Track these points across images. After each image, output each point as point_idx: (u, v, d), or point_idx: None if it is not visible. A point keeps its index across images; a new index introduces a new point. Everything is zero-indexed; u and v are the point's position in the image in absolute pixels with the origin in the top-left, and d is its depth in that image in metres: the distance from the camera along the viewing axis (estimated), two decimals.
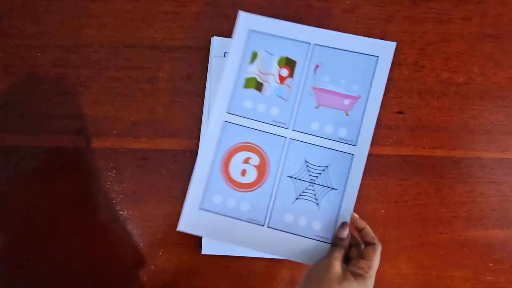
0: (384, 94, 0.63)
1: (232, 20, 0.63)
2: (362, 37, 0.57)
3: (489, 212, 0.64)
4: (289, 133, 0.56)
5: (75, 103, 0.63)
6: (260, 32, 0.57)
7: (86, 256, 0.64)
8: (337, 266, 0.48)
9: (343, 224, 0.54)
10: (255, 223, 0.55)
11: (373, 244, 0.51)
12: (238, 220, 0.55)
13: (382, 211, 0.64)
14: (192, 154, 0.63)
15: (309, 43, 0.57)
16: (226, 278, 0.64)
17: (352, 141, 0.56)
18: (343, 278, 0.47)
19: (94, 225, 0.63)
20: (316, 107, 0.56)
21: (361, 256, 0.50)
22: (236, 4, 0.63)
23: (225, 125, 0.56)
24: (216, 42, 0.62)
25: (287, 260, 0.63)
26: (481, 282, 0.64)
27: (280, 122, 0.56)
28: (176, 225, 0.63)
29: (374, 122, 0.56)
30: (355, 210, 0.59)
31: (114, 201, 0.63)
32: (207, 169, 0.56)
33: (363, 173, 0.63)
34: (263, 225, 0.55)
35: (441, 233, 0.64)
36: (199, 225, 0.56)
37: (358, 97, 0.56)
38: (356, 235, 0.56)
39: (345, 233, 0.53)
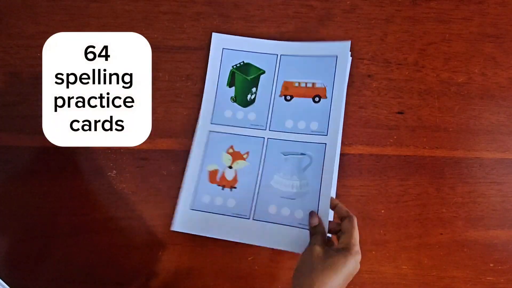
0: (384, 94, 0.63)
1: (232, 20, 0.63)
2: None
3: (489, 212, 0.64)
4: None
5: None
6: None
7: (86, 256, 0.64)
8: (317, 249, 0.51)
9: (311, 213, 0.56)
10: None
11: (348, 217, 0.53)
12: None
13: (383, 211, 0.63)
14: None
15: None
16: (226, 278, 0.64)
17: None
18: (326, 256, 0.49)
19: (94, 225, 0.63)
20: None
21: (341, 232, 0.53)
22: (236, 4, 0.63)
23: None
24: (215, 38, 0.63)
25: (287, 260, 0.63)
26: (481, 283, 0.64)
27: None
28: None
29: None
30: (355, 210, 0.59)
31: (114, 201, 0.63)
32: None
33: (363, 174, 0.63)
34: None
35: (441, 234, 0.64)
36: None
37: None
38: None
39: (315, 220, 0.55)
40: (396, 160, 0.63)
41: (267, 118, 0.62)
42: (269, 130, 0.62)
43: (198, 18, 0.63)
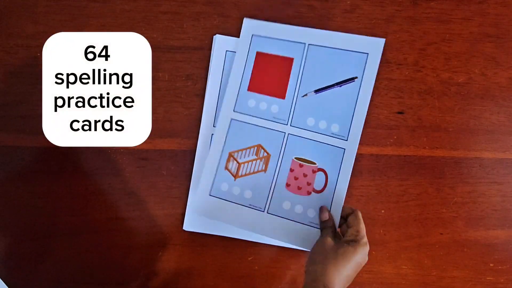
0: (384, 94, 0.63)
1: (232, 20, 0.63)
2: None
3: (489, 212, 0.64)
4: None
5: None
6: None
7: (86, 256, 0.64)
8: (329, 240, 0.54)
9: (321, 208, 0.58)
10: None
11: (352, 212, 0.56)
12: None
13: (383, 211, 0.63)
14: (192, 154, 0.63)
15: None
16: (226, 278, 0.64)
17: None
18: (338, 247, 0.52)
19: (94, 225, 0.63)
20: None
21: (348, 226, 0.55)
22: (236, 4, 0.63)
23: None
24: (218, 40, 0.63)
25: (287, 260, 0.63)
26: (481, 283, 0.64)
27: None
28: (176, 224, 0.63)
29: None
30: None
31: (114, 201, 0.63)
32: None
33: (363, 174, 0.63)
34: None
35: (441, 234, 0.64)
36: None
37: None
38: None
39: (325, 215, 0.58)
40: (396, 160, 0.63)
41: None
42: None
43: (198, 18, 0.63)
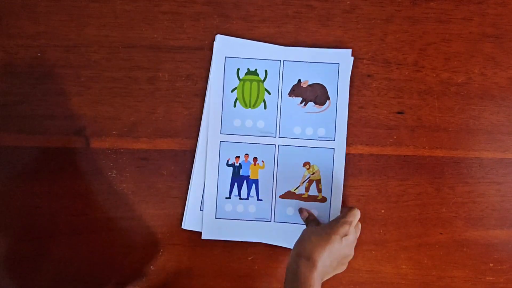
0: (384, 94, 0.63)
1: (232, 20, 0.63)
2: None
3: (489, 212, 0.64)
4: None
5: (75, 103, 0.63)
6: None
7: (86, 256, 0.64)
8: (312, 226, 0.58)
9: (300, 210, 0.63)
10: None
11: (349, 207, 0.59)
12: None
13: (383, 211, 0.64)
14: (191, 154, 0.63)
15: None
16: (226, 278, 0.64)
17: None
18: (318, 228, 0.56)
19: (94, 225, 0.63)
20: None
21: None
22: (236, 4, 0.63)
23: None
24: (219, 40, 0.63)
25: (287, 260, 0.63)
26: (481, 282, 0.64)
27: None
28: (176, 224, 0.64)
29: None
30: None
31: (114, 201, 0.63)
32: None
33: (363, 174, 0.63)
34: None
35: (441, 233, 0.64)
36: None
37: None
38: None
39: (305, 214, 0.62)
40: (396, 160, 0.63)
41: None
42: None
43: (198, 18, 0.63)
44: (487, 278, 0.64)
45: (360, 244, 0.59)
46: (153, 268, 0.64)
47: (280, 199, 0.63)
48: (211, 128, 0.63)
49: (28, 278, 0.63)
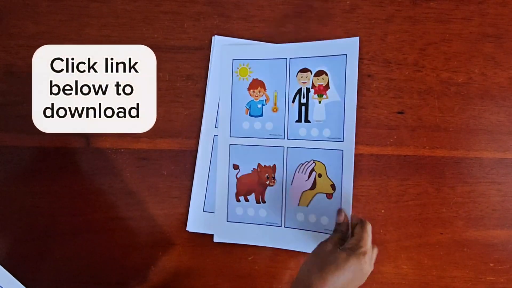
0: (384, 94, 0.63)
1: (232, 20, 0.63)
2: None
3: (489, 212, 0.64)
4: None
5: None
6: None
7: (86, 256, 0.64)
8: (328, 245, 0.53)
9: (339, 211, 0.59)
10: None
11: (360, 222, 0.55)
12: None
13: (383, 211, 0.64)
14: (192, 154, 0.63)
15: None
16: (226, 278, 0.64)
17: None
18: (332, 252, 0.51)
19: (94, 225, 0.63)
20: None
21: (352, 235, 0.54)
22: (236, 4, 0.63)
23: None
24: (218, 41, 0.63)
25: (287, 260, 0.63)
26: (481, 282, 0.64)
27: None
28: (176, 224, 0.64)
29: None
30: (355, 210, 0.60)
31: (114, 201, 0.63)
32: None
33: (363, 174, 0.63)
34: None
35: (441, 233, 0.64)
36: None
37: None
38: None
39: (340, 217, 0.58)
40: (396, 160, 0.63)
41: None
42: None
43: (199, 18, 0.63)
44: (488, 278, 0.64)
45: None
46: (153, 268, 0.64)
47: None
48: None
49: (28, 278, 0.63)
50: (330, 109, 0.61)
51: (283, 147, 0.62)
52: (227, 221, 0.63)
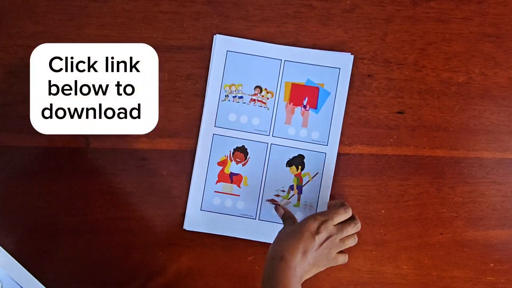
0: (384, 94, 0.63)
1: (232, 20, 0.63)
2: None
3: (489, 212, 0.64)
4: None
5: None
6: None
7: (86, 256, 0.64)
8: (287, 227, 0.57)
9: (276, 208, 0.63)
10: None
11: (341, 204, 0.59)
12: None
13: (383, 211, 0.63)
14: (191, 154, 0.63)
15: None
16: (226, 278, 0.64)
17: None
18: (291, 228, 0.56)
19: (94, 225, 0.63)
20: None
21: None
22: (236, 4, 0.63)
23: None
24: (218, 40, 0.63)
25: None
26: (482, 283, 0.64)
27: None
28: (175, 224, 0.64)
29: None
30: (355, 210, 0.60)
31: (114, 201, 0.63)
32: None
33: (363, 174, 0.63)
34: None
35: (441, 233, 0.64)
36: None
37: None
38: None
39: (281, 211, 0.61)
40: (396, 160, 0.63)
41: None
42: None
43: (198, 17, 0.63)
44: (488, 278, 0.64)
45: (360, 244, 0.59)
46: (153, 268, 0.64)
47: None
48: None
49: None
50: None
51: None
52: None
